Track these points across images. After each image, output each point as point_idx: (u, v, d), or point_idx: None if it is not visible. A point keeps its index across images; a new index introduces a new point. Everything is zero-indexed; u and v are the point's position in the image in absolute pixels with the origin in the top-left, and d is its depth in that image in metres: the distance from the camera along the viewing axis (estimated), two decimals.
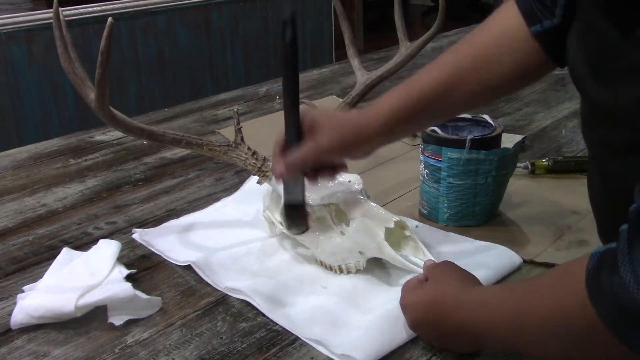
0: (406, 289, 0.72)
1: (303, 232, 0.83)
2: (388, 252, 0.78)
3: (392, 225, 0.79)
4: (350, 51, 1.07)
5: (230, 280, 0.81)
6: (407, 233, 0.82)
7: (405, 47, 1.03)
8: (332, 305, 0.77)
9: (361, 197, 0.83)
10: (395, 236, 0.81)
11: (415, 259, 0.80)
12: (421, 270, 0.77)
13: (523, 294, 0.61)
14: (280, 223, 0.87)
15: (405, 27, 1.06)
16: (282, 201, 0.81)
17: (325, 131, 0.76)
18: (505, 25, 0.75)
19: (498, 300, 0.63)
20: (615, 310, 0.49)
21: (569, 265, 0.57)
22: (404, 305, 0.71)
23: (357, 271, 0.82)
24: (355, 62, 1.05)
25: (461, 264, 0.73)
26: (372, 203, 0.82)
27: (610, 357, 0.53)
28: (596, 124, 0.64)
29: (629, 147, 0.58)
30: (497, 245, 0.87)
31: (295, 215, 0.80)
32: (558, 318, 0.55)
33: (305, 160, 0.76)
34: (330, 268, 0.83)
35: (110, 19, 0.74)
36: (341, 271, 0.82)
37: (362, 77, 1.02)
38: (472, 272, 0.71)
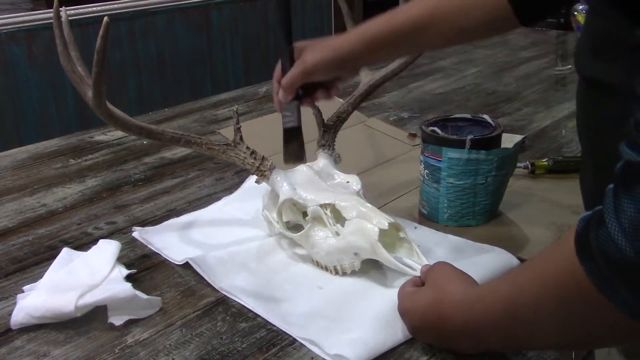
0: (403, 295, 0.72)
1: (299, 162, 0.89)
2: (381, 254, 0.78)
3: (386, 226, 0.79)
4: None
5: (226, 279, 0.81)
6: (402, 235, 0.82)
7: None
8: (327, 306, 0.77)
9: (357, 198, 0.83)
10: (391, 238, 0.81)
11: (409, 261, 0.80)
12: (415, 273, 0.77)
13: (515, 275, 0.61)
14: (278, 222, 0.87)
15: None
16: (283, 125, 0.90)
17: (309, 52, 0.86)
18: None
19: (492, 290, 0.62)
20: (601, 263, 0.48)
21: (561, 236, 0.56)
22: (402, 311, 0.71)
23: (352, 272, 0.82)
24: None
25: (458, 265, 0.73)
26: (368, 204, 0.82)
27: (604, 324, 0.52)
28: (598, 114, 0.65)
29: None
30: (494, 247, 0.86)
31: (293, 142, 0.90)
32: (551, 288, 0.54)
33: (295, 79, 0.87)
34: (325, 268, 0.83)
35: (106, 18, 0.74)
36: (336, 272, 0.82)
37: (365, 77, 1.02)
38: (469, 275, 0.71)
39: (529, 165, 1.10)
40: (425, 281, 0.71)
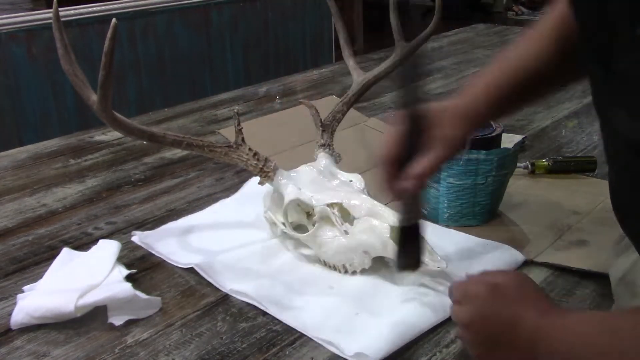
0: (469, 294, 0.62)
1: (416, 268, 0.74)
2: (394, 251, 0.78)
3: (397, 223, 0.78)
4: (346, 51, 1.07)
5: (235, 283, 0.81)
6: None
7: (401, 47, 1.03)
8: (340, 305, 0.77)
9: (364, 197, 0.83)
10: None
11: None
12: (427, 268, 0.77)
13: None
14: (283, 224, 0.87)
15: (401, 28, 1.06)
16: (398, 223, 0.74)
17: (450, 124, 0.71)
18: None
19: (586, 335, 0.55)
20: None
21: None
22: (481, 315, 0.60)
23: (362, 270, 0.82)
24: (350, 63, 1.05)
25: (465, 262, 0.72)
26: (375, 202, 0.82)
27: None
28: None
29: None
30: (499, 243, 0.87)
31: (411, 243, 0.73)
32: None
33: (434, 168, 0.70)
34: (334, 268, 0.83)
35: (114, 20, 0.74)
36: (346, 271, 0.83)
37: (358, 77, 1.02)
38: (474, 269, 0.69)
39: (529, 165, 1.10)
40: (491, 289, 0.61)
